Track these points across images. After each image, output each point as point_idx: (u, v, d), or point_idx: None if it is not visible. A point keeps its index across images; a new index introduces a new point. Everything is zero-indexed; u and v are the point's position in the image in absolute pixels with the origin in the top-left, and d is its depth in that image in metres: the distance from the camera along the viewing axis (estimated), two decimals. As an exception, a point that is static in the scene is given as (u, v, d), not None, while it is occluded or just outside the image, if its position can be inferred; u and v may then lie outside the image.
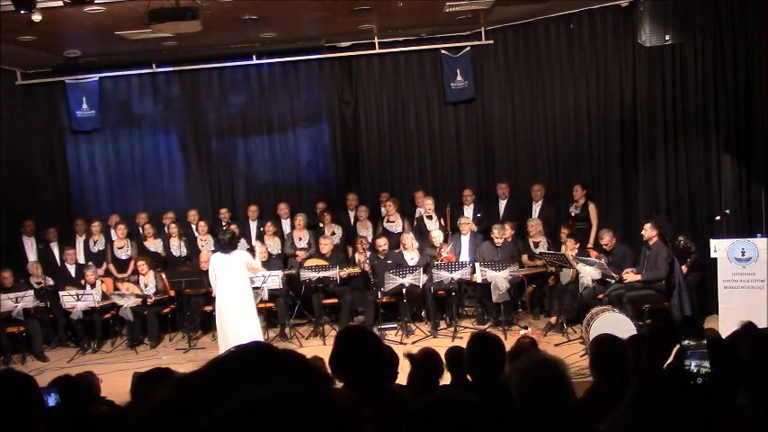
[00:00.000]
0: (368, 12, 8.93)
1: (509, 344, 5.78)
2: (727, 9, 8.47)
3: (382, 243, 9.29)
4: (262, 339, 8.14)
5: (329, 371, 2.70)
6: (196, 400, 0.80)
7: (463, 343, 4.59)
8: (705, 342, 2.03)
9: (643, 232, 8.14)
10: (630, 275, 8.03)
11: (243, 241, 9.60)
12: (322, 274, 8.87)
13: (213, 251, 8.72)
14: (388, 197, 10.43)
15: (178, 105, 11.32)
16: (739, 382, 2.62)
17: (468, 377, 3.74)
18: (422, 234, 9.74)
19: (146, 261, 9.56)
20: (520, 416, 2.67)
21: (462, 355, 3.90)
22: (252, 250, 9.16)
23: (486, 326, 8.87)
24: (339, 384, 2.66)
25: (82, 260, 9.98)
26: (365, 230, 10.16)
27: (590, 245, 9.13)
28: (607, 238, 8.42)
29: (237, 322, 7.75)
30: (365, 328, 3.21)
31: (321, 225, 10.25)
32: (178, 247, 9.99)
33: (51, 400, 3.64)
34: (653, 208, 9.18)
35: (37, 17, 7.00)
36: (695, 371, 2.00)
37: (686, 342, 2.03)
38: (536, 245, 9.35)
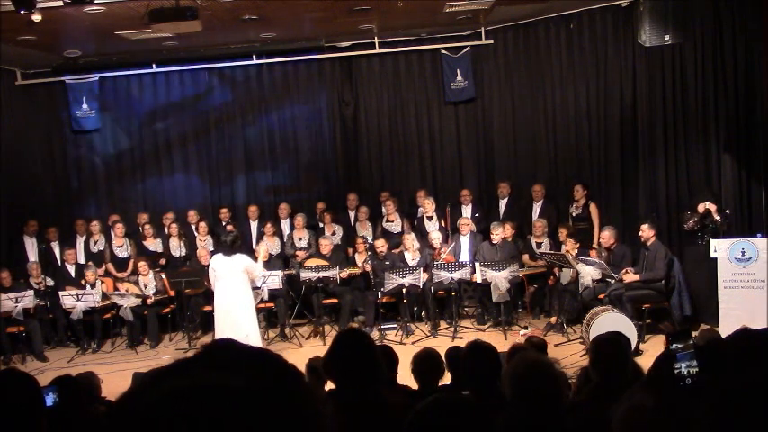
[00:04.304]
0: (368, 12, 8.93)
1: (509, 344, 5.79)
2: (727, 9, 8.47)
3: (380, 245, 9.29)
4: (260, 341, 8.14)
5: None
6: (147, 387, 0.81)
7: (463, 343, 4.58)
8: (693, 343, 2.04)
9: (641, 233, 8.11)
10: (629, 276, 7.99)
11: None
12: (322, 274, 8.87)
13: (213, 252, 8.70)
14: (388, 197, 10.42)
15: (178, 105, 11.31)
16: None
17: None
18: (422, 234, 9.73)
19: (146, 261, 9.57)
20: (517, 416, 2.68)
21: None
22: (252, 253, 9.09)
23: (486, 326, 8.89)
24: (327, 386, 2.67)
25: (82, 260, 9.98)
26: (365, 231, 10.15)
27: (594, 245, 9.10)
28: (607, 234, 8.39)
29: (236, 323, 7.72)
30: (362, 332, 3.19)
31: (321, 225, 10.25)
32: (178, 247, 9.99)
33: (49, 400, 3.64)
34: (653, 208, 9.18)
35: (37, 17, 7.00)
36: (685, 372, 2.00)
37: (675, 345, 2.04)
38: (539, 245, 9.34)
